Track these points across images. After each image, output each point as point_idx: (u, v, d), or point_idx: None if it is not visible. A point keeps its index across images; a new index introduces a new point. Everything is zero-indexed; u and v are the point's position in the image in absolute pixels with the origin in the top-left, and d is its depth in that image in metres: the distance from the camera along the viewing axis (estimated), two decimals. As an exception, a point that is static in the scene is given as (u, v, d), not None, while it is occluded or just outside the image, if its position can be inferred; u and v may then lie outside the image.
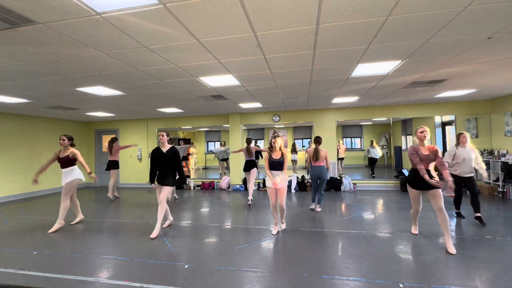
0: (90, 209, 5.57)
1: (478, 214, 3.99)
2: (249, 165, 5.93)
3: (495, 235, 3.47)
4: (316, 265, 2.77)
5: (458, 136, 4.16)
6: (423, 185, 3.17)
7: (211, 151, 9.74)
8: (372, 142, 8.58)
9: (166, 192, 3.82)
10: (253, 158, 5.98)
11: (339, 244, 3.34)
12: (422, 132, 3.23)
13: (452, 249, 2.99)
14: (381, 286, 2.35)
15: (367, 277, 2.50)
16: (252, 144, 6.05)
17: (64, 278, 2.60)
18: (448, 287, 2.30)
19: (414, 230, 3.67)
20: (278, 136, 3.89)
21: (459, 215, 4.39)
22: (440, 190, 3.09)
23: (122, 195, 7.09)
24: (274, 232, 3.78)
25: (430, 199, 3.14)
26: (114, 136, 7.22)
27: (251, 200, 5.73)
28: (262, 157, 6.45)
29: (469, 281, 2.40)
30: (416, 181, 3.25)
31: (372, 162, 8.55)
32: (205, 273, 2.65)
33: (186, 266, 2.80)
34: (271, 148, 3.80)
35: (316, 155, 4.75)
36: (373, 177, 8.20)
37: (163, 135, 3.88)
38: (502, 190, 5.80)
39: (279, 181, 3.70)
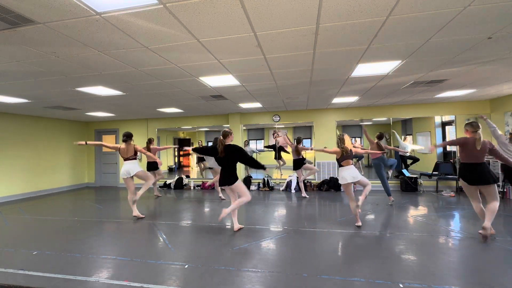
0: (90, 209, 5.57)
1: None
2: (299, 164, 6.32)
3: (495, 235, 3.47)
4: (316, 265, 2.77)
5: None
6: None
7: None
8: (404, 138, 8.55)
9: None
10: (301, 157, 6.35)
11: (339, 244, 3.34)
12: None
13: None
14: (381, 286, 2.34)
15: (367, 277, 2.50)
16: (302, 144, 6.48)
17: (64, 278, 2.60)
18: (448, 287, 2.30)
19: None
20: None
21: None
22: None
23: (122, 195, 7.09)
24: (358, 224, 3.97)
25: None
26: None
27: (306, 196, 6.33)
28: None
29: (469, 281, 2.40)
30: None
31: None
32: (205, 273, 2.65)
33: (186, 266, 2.80)
34: (342, 144, 3.94)
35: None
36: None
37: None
38: (502, 190, 5.80)
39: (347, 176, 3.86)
